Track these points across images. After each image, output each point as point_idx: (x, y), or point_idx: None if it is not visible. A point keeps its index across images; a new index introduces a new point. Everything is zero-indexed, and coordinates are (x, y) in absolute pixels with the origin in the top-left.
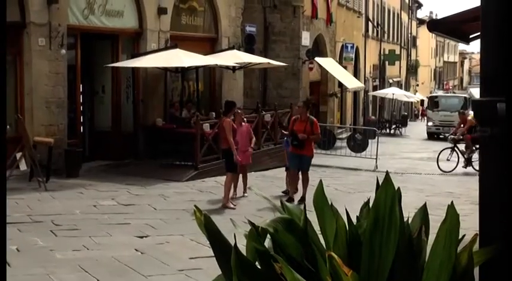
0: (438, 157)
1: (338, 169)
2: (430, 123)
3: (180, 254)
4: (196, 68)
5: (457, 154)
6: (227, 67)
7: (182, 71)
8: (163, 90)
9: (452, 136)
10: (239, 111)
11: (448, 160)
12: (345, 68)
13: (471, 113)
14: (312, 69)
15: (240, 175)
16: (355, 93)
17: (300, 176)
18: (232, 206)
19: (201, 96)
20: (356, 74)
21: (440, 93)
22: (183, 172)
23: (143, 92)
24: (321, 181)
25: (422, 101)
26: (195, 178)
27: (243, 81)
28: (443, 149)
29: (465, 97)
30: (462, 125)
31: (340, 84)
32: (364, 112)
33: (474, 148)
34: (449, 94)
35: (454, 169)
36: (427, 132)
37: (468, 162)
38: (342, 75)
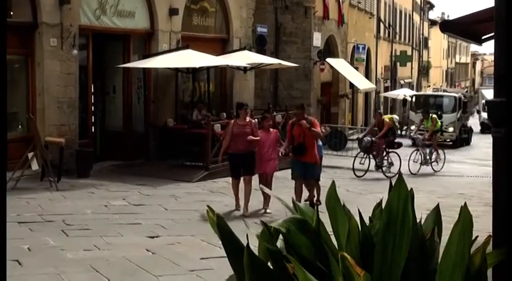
0: (353, 162)
1: (349, 170)
2: (412, 127)
3: (191, 255)
4: (208, 68)
5: (369, 159)
6: (238, 68)
7: (193, 72)
8: (174, 91)
9: (367, 138)
10: (268, 115)
11: (360, 163)
12: (357, 69)
13: (393, 115)
14: (323, 70)
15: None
16: (367, 95)
17: (306, 186)
18: (244, 212)
19: (212, 97)
20: (367, 75)
21: (429, 91)
22: (193, 173)
23: (154, 92)
24: (333, 181)
25: (404, 101)
26: (206, 178)
27: (254, 82)
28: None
29: (455, 97)
30: (376, 128)
31: (352, 85)
32: (375, 113)
33: (385, 153)
34: (437, 93)
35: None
36: (411, 139)
37: (379, 167)
38: (353, 76)
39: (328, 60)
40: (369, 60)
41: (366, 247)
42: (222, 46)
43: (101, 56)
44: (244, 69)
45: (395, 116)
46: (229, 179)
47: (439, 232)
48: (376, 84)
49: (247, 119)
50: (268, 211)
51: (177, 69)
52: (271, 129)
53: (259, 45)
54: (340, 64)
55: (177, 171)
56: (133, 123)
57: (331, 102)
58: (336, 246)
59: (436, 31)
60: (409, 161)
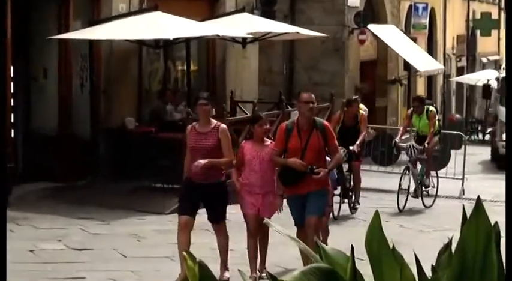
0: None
1: (403, 196)
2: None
3: None
4: (187, 41)
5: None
6: (234, 40)
7: (165, 46)
8: (137, 75)
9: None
10: (261, 116)
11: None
12: (415, 40)
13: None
14: (363, 42)
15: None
16: (430, 80)
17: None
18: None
19: (195, 84)
20: (431, 49)
21: None
22: (166, 200)
23: (106, 77)
24: (376, 212)
25: (487, 89)
26: None
27: (259, 60)
28: None
29: None
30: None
31: (407, 66)
32: (443, 108)
33: None
34: None
35: None
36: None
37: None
38: (410, 52)
39: (372, 27)
40: (433, 28)
41: None
42: (210, 7)
43: (24, 24)
44: (243, 42)
45: (363, 107)
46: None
47: None
48: (444, 64)
49: (213, 122)
50: (263, 275)
51: (140, 43)
52: (268, 141)
53: (265, 5)
54: (389, 34)
55: (141, 197)
56: (73, 125)
57: (376, 91)
58: None
59: None
60: (399, 190)
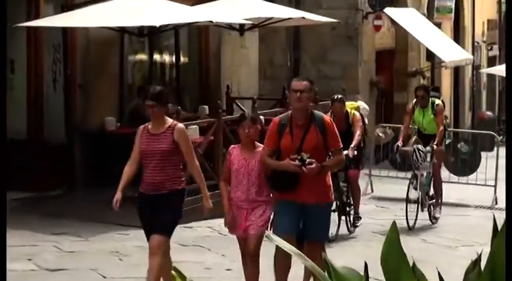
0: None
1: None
2: None
3: None
4: (176, 28)
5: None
6: (230, 26)
7: (151, 34)
8: (118, 68)
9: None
10: (246, 116)
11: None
12: (439, 26)
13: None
14: (379, 28)
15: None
16: (457, 71)
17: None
18: None
19: (184, 78)
20: (458, 37)
21: None
22: None
23: (82, 71)
24: (394, 224)
25: None
26: None
27: (259, 51)
28: None
29: None
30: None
31: (430, 56)
32: (473, 104)
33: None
34: None
35: None
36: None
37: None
38: (434, 40)
39: (389, 11)
40: (460, 12)
41: None
42: None
43: None
44: (241, 29)
45: (363, 104)
46: (215, 222)
47: None
48: (473, 54)
49: (167, 122)
50: None
51: (122, 30)
52: (260, 146)
53: None
54: (409, 19)
55: (123, 209)
56: (45, 126)
57: (394, 85)
58: None
59: None
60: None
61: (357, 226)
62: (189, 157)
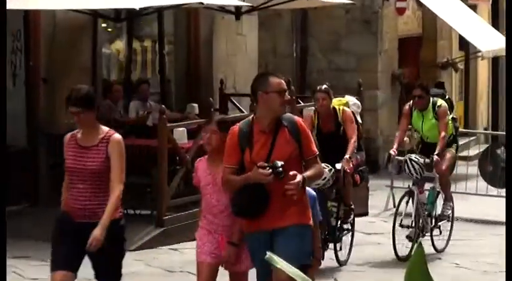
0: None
1: (462, 223)
2: None
3: None
4: (159, 11)
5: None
6: (224, 9)
7: (130, 19)
8: (90, 59)
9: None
10: (212, 118)
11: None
12: (474, 8)
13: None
14: (403, 11)
15: None
16: (496, 63)
17: None
18: None
19: (170, 71)
20: (496, 22)
21: None
22: (131, 232)
23: (47, 63)
24: (420, 246)
25: None
26: (156, 243)
27: (258, 38)
28: None
29: None
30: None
31: (464, 45)
32: None
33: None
34: None
35: None
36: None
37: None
38: (468, 26)
39: None
40: None
41: None
42: None
43: None
44: (237, 13)
45: (353, 99)
46: None
47: None
48: None
49: (102, 131)
50: None
51: (95, 14)
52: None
53: None
54: (439, 0)
55: None
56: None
57: (420, 79)
58: None
59: None
60: (394, 225)
61: (347, 222)
62: (116, 178)
